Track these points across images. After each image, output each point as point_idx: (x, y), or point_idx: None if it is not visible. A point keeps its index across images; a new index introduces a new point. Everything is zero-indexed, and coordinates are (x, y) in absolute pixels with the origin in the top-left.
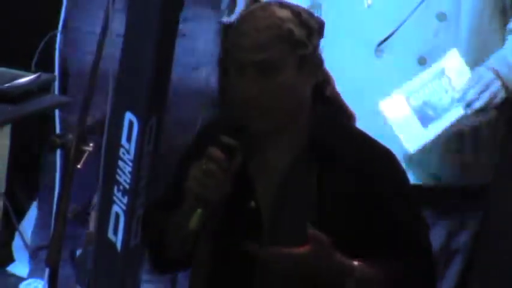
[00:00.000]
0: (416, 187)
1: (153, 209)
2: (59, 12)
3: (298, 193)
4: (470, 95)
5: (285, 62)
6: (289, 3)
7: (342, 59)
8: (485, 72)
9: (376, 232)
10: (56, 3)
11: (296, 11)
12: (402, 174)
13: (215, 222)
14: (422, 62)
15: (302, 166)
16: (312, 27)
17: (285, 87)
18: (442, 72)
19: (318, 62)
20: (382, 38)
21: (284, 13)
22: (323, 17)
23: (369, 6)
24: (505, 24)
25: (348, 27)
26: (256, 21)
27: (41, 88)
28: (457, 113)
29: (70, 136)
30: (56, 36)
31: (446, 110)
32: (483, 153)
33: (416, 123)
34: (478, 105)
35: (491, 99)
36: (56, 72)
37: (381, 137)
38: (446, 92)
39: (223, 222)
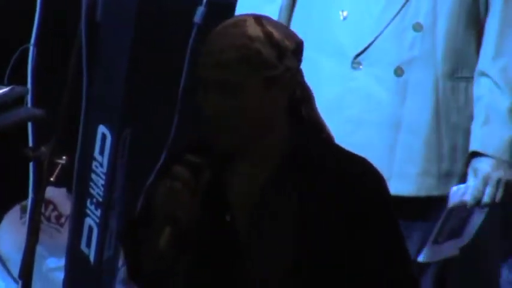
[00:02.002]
0: (395, 198)
1: (132, 226)
2: (31, 26)
3: (275, 206)
4: (479, 198)
5: (248, 82)
6: (268, 19)
7: (319, 72)
8: (479, 167)
9: (358, 257)
10: (28, 17)
11: (268, 31)
12: (383, 186)
13: (190, 237)
14: (399, 73)
15: (279, 180)
16: (284, 48)
17: (246, 107)
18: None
19: (291, 82)
20: (358, 51)
21: (255, 31)
22: (297, 30)
23: (344, 18)
24: (478, 33)
25: (324, 40)
26: (224, 39)
27: (15, 101)
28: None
29: (43, 149)
30: (28, 49)
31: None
32: (459, 162)
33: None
34: (489, 198)
35: (498, 183)
36: (29, 86)
37: (360, 148)
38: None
39: (198, 237)
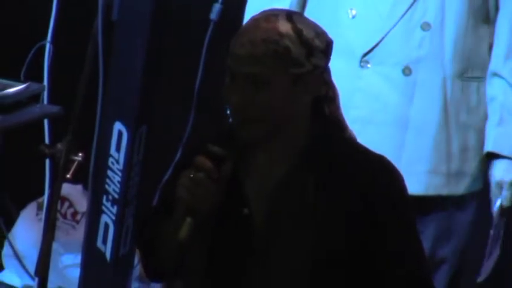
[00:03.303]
0: None
1: (149, 217)
2: (48, 23)
3: (292, 201)
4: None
5: (275, 78)
6: (300, 16)
7: None
8: (493, 172)
9: (373, 255)
10: (45, 13)
11: (299, 28)
12: (401, 185)
13: (207, 229)
14: (407, 72)
15: (297, 175)
16: (313, 47)
17: (271, 102)
18: None
19: (317, 81)
20: (366, 49)
21: (286, 28)
22: None
23: (353, 17)
24: (489, 33)
25: (332, 38)
26: (255, 33)
27: (31, 98)
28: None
29: (59, 146)
30: (44, 46)
31: None
32: (471, 162)
33: None
34: (507, 201)
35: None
36: (45, 82)
37: (368, 147)
38: None
39: (215, 229)
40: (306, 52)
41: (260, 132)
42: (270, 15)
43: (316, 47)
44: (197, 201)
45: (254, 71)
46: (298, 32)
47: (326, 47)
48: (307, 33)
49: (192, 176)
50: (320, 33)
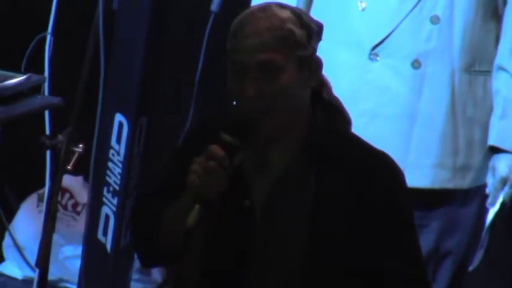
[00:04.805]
0: (411, 189)
1: (145, 202)
2: (49, 14)
3: (294, 193)
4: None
5: (287, 63)
6: (289, 5)
7: (336, 63)
8: (498, 166)
9: (371, 250)
10: (46, 5)
11: (297, 12)
12: (400, 181)
13: (212, 218)
14: (416, 65)
15: (299, 167)
16: (312, 29)
17: (285, 88)
18: None
19: (317, 64)
20: (376, 42)
21: (285, 14)
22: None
23: (363, 9)
24: (497, 27)
25: (342, 31)
26: (257, 23)
27: (31, 89)
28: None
29: (60, 137)
30: (45, 37)
31: None
32: (477, 156)
33: None
34: (508, 198)
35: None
36: (46, 74)
37: (375, 140)
38: None
39: (217, 219)
40: (307, 34)
41: (275, 123)
42: (264, 6)
43: (313, 30)
44: (207, 188)
45: (266, 58)
46: (297, 16)
47: (319, 30)
48: (305, 16)
49: (203, 164)
50: (312, 17)
